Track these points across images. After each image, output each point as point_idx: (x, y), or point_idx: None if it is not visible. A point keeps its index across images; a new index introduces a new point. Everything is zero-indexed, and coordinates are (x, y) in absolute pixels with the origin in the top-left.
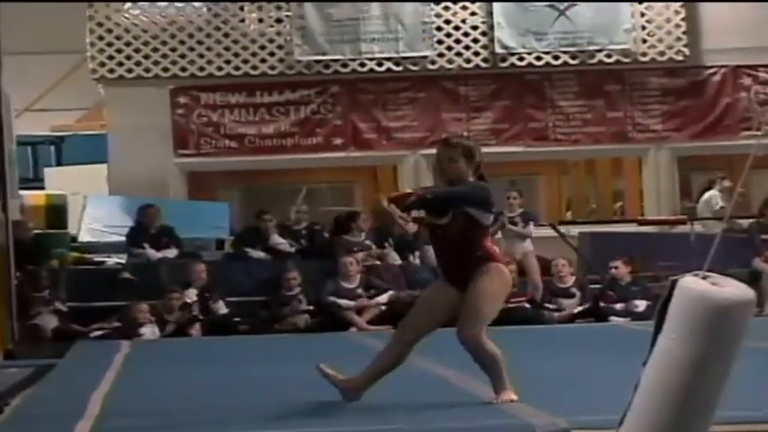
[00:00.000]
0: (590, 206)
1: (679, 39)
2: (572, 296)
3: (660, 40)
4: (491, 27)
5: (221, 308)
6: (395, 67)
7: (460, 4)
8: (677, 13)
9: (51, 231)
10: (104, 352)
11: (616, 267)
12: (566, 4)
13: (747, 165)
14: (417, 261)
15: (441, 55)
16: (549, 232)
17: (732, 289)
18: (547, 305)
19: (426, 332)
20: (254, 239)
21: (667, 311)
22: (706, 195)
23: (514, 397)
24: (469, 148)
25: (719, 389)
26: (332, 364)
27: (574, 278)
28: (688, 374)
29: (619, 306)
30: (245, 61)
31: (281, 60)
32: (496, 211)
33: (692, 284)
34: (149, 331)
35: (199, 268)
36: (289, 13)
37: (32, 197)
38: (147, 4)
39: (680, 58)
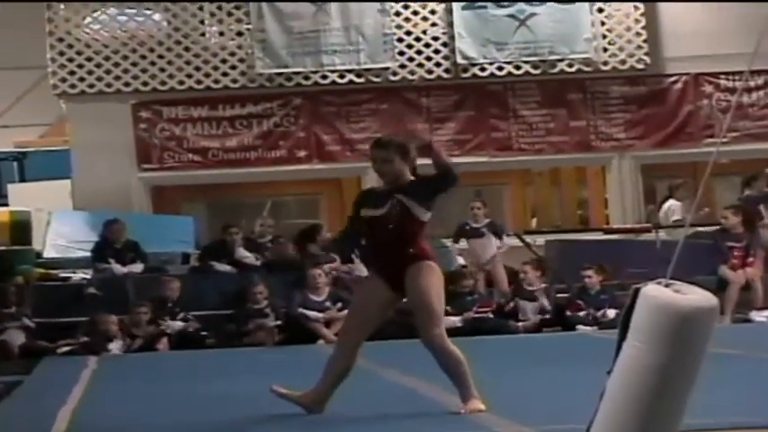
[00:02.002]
0: (556, 219)
1: (640, 47)
2: (535, 299)
3: (621, 49)
4: (452, 38)
5: (177, 324)
6: (357, 79)
7: (421, 14)
8: (637, 21)
9: (16, 248)
10: (72, 368)
11: (589, 276)
12: (526, 12)
13: (707, 172)
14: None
15: (402, 66)
16: (515, 242)
17: (695, 296)
18: (512, 315)
19: (367, 332)
20: (220, 253)
21: (631, 319)
22: (665, 205)
23: (482, 407)
24: (402, 145)
25: (684, 396)
26: (299, 378)
27: (542, 285)
28: (652, 382)
29: (586, 315)
30: (207, 75)
31: (242, 73)
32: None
33: (655, 292)
34: (116, 346)
35: (173, 285)
36: (249, 27)
37: None
38: (107, 17)
39: (641, 66)
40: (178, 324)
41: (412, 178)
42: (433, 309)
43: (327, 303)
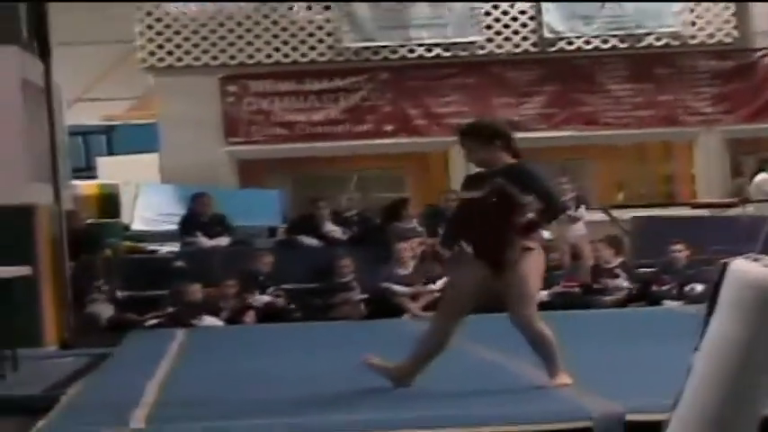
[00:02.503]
0: (642, 194)
1: (728, 21)
2: (616, 276)
3: (709, 23)
4: (539, 11)
5: (281, 302)
6: (444, 53)
7: None
8: None
9: (104, 221)
10: (159, 341)
11: (678, 251)
12: None
13: None
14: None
15: (489, 40)
16: (601, 216)
17: None
18: (598, 290)
19: (463, 315)
20: (307, 227)
21: (719, 294)
22: (757, 178)
23: (568, 381)
24: (483, 129)
25: None
26: (384, 353)
27: (619, 259)
28: (740, 357)
29: (672, 289)
30: (294, 48)
31: (329, 47)
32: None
33: (743, 267)
34: (205, 320)
35: (266, 259)
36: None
37: (85, 187)
38: None
39: (729, 40)
40: (265, 298)
41: (512, 161)
42: (526, 291)
43: (414, 277)
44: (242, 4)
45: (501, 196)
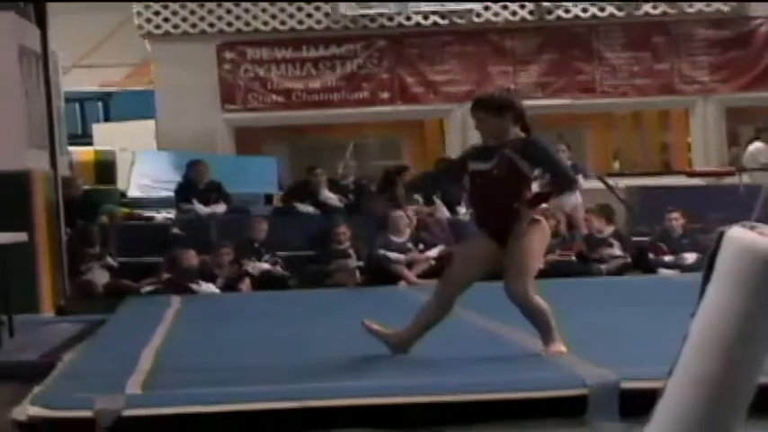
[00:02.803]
0: (638, 163)
1: None
2: (610, 245)
3: None
4: None
5: (278, 271)
6: (441, 21)
7: None
8: None
9: (101, 187)
10: (155, 307)
11: (675, 219)
12: None
13: None
14: (466, 215)
15: (486, 8)
16: (598, 185)
17: None
18: (595, 258)
19: (467, 285)
20: (304, 194)
21: (715, 263)
22: (752, 147)
23: (564, 349)
24: (495, 102)
25: None
26: (379, 320)
27: (611, 228)
28: (736, 325)
29: (668, 258)
30: (291, 16)
31: (326, 15)
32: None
33: (739, 235)
34: (202, 286)
35: (262, 226)
36: None
37: (81, 153)
38: None
39: (726, 8)
40: (263, 265)
41: (521, 135)
42: (526, 264)
43: (409, 245)
44: None
45: (510, 169)
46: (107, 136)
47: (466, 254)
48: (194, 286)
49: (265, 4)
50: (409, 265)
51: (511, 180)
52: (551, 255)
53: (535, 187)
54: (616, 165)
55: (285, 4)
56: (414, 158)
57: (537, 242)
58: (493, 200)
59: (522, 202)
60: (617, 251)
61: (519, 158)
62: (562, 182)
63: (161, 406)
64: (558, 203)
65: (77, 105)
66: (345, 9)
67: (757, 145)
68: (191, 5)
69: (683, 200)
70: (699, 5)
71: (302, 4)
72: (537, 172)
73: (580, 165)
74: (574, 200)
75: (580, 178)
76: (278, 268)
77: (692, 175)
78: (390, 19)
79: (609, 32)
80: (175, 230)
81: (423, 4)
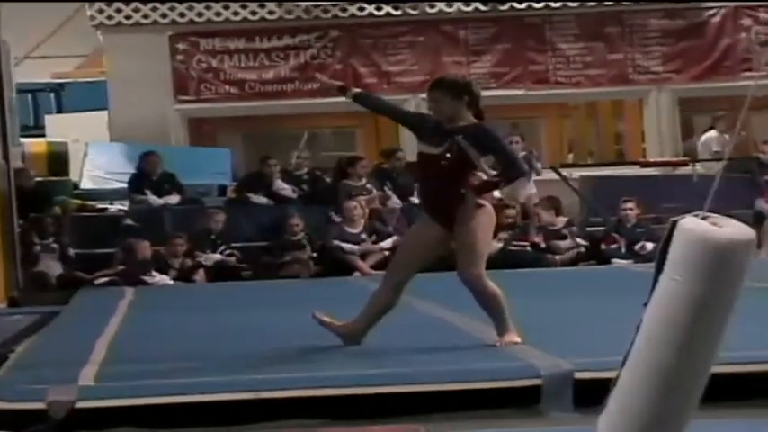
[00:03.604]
0: (592, 153)
1: None
2: (564, 237)
3: None
4: None
5: (215, 256)
6: (394, 11)
7: None
8: None
9: (53, 179)
10: (108, 298)
11: (630, 209)
12: None
13: (746, 106)
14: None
15: None
16: (552, 175)
17: (732, 229)
18: (548, 248)
19: (414, 271)
20: (258, 185)
21: (668, 252)
22: (704, 137)
23: (518, 339)
24: (454, 84)
25: (721, 329)
26: (333, 311)
27: (563, 219)
28: (689, 314)
29: (621, 248)
30: (244, 6)
31: (279, 5)
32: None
33: (691, 225)
34: (156, 277)
35: (218, 217)
36: None
37: (34, 145)
38: None
39: None
40: (216, 256)
41: (474, 121)
42: (477, 249)
43: (363, 236)
44: None
45: (458, 156)
46: (59, 127)
47: (411, 239)
48: (148, 278)
49: None
50: (363, 256)
51: (458, 166)
52: (506, 245)
53: (484, 175)
54: (570, 155)
55: None
56: (367, 149)
57: (484, 227)
58: (439, 184)
59: (467, 187)
60: (570, 242)
61: (468, 145)
62: (511, 171)
63: (114, 397)
64: (511, 193)
65: (29, 96)
66: None
67: (710, 134)
68: None
69: (638, 190)
70: None
71: None
72: (484, 160)
73: (534, 155)
74: (528, 190)
75: (537, 168)
76: (232, 259)
77: (645, 165)
78: (343, 10)
79: (562, 23)
80: (128, 221)
81: None
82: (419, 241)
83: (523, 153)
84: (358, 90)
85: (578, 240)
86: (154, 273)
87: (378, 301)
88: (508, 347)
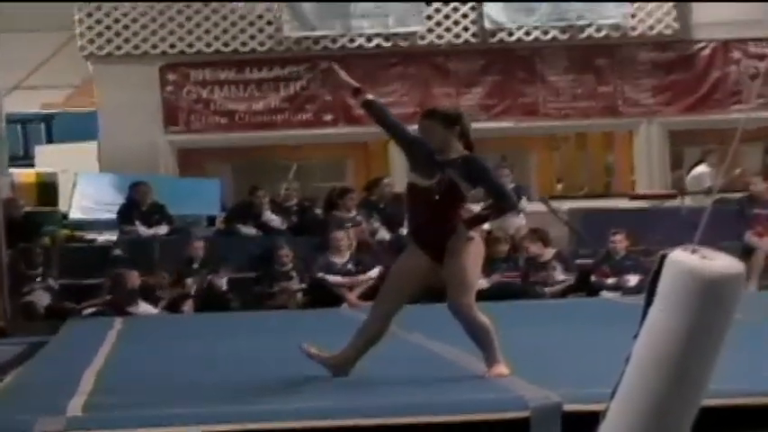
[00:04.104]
0: (582, 185)
1: (668, 13)
2: (553, 268)
3: (649, 14)
4: (480, 2)
5: (223, 284)
6: (384, 43)
7: None
8: None
9: (42, 209)
10: (97, 329)
11: (619, 241)
12: None
13: (736, 139)
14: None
15: (430, 30)
16: (541, 207)
17: (721, 262)
18: (536, 280)
19: (402, 302)
20: (246, 216)
21: (657, 285)
22: (695, 171)
23: (506, 371)
24: (447, 115)
25: (711, 362)
26: (321, 341)
27: (552, 251)
28: (678, 347)
29: (610, 280)
30: (235, 37)
31: (270, 36)
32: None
33: (681, 258)
34: (142, 307)
35: (197, 244)
36: None
37: (23, 175)
38: None
39: (669, 32)
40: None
41: (465, 152)
42: (467, 280)
43: (350, 266)
44: None
45: (449, 188)
46: (49, 157)
47: (400, 269)
48: (134, 307)
49: (209, 25)
50: (351, 287)
51: (449, 199)
52: (495, 276)
53: (476, 208)
54: (559, 187)
55: (229, 25)
56: (357, 180)
57: (474, 258)
58: (429, 217)
59: (458, 220)
60: (560, 274)
61: (459, 179)
62: (501, 203)
63: (102, 428)
64: (501, 225)
65: (19, 127)
66: (289, 31)
67: (701, 168)
68: (134, 26)
69: (627, 222)
70: (642, 28)
71: (246, 26)
72: (474, 192)
73: (523, 187)
74: (518, 222)
75: (524, 201)
76: (219, 282)
77: (634, 197)
78: (334, 41)
79: (552, 55)
80: (117, 252)
81: (366, 26)
82: (408, 271)
83: (513, 185)
84: (371, 97)
85: (563, 277)
86: (139, 303)
87: (366, 331)
88: (496, 379)
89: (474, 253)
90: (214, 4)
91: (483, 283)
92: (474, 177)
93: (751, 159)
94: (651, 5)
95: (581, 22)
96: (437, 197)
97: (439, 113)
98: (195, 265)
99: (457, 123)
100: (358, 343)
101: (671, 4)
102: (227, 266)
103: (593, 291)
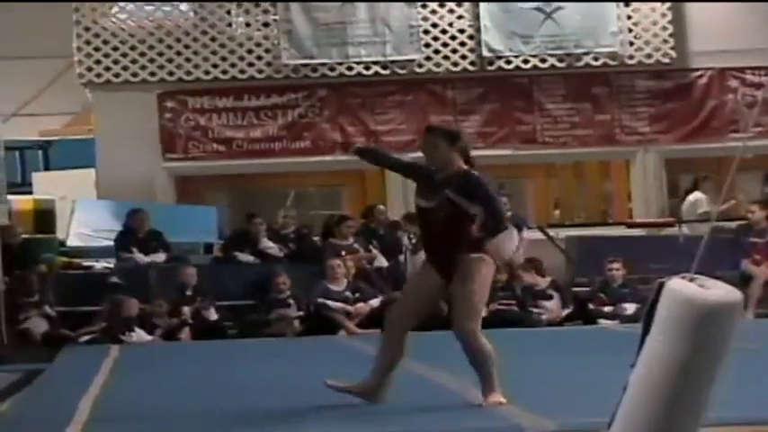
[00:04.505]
0: (577, 212)
1: (665, 41)
2: (549, 298)
3: (647, 43)
4: (478, 30)
5: (212, 314)
6: (382, 71)
7: (447, 7)
8: (664, 15)
9: (40, 236)
10: (93, 356)
11: (616, 269)
12: (553, 6)
13: (733, 167)
14: (407, 264)
15: (428, 58)
16: (538, 235)
17: (719, 291)
18: (532, 309)
19: (416, 319)
20: (244, 243)
21: (655, 313)
22: (691, 197)
23: (503, 400)
24: (450, 132)
25: (707, 390)
26: (320, 369)
27: (548, 280)
28: (675, 376)
29: (608, 308)
30: (233, 65)
31: (268, 64)
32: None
33: (679, 286)
34: (138, 334)
35: (189, 271)
36: (276, 17)
37: (20, 202)
38: (134, 7)
39: (667, 60)
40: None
41: (465, 168)
42: (473, 302)
43: (347, 293)
44: (181, 20)
45: (451, 208)
46: (47, 184)
47: (415, 287)
48: (129, 335)
49: (207, 53)
50: (348, 314)
51: (454, 218)
52: (493, 304)
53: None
54: (557, 213)
55: (227, 53)
56: (354, 208)
57: (483, 280)
58: (438, 236)
59: (468, 238)
60: (556, 302)
61: (457, 195)
62: (491, 221)
63: None
64: (496, 250)
65: (17, 154)
66: (287, 58)
67: (696, 195)
68: (132, 54)
69: (624, 250)
70: (639, 57)
71: (244, 54)
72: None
73: (521, 217)
74: (511, 248)
75: (524, 231)
76: (211, 318)
77: (631, 225)
78: (332, 69)
79: (549, 83)
80: (114, 279)
81: (364, 54)
82: (420, 290)
83: (510, 214)
84: (360, 145)
85: (558, 303)
86: (134, 330)
87: (385, 354)
88: (493, 408)
89: (483, 275)
90: (212, 32)
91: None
92: (470, 193)
93: (749, 188)
94: (648, 35)
95: (578, 51)
96: (442, 217)
97: (442, 130)
98: (188, 293)
99: (459, 140)
100: (379, 367)
101: (668, 33)
102: (214, 296)
103: (590, 319)
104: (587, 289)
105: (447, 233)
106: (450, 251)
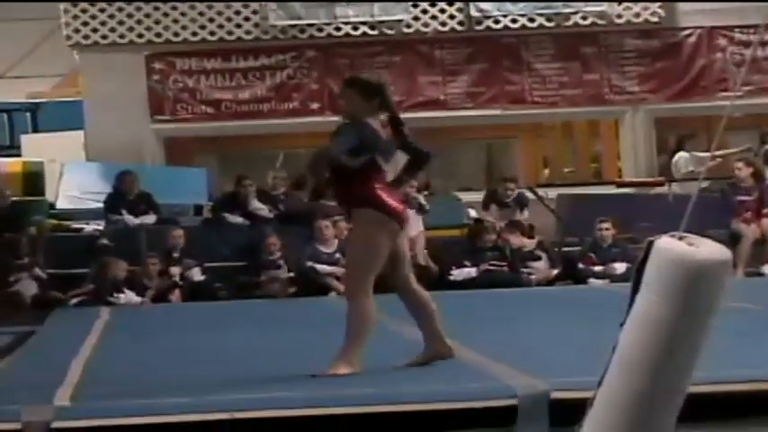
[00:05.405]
0: (567, 169)
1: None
2: (537, 258)
3: (635, 2)
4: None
5: (196, 274)
6: (370, 31)
7: None
8: None
9: (29, 198)
10: (84, 319)
11: (606, 229)
12: None
13: (721, 126)
14: None
15: (416, 18)
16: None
17: (708, 249)
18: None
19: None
20: (233, 205)
21: (644, 272)
22: (676, 157)
23: (346, 371)
24: (366, 84)
25: (697, 348)
26: (309, 330)
27: (534, 241)
28: (665, 334)
29: (598, 268)
30: (221, 26)
31: (256, 25)
32: None
33: (668, 245)
34: (127, 296)
35: (177, 233)
36: None
37: (9, 164)
38: None
39: (655, 19)
40: (196, 274)
41: (359, 120)
42: (355, 264)
43: (337, 255)
44: None
45: (332, 165)
46: (35, 147)
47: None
48: (119, 296)
49: (195, 15)
50: (339, 277)
51: (335, 174)
52: (483, 265)
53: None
54: (546, 172)
55: (214, 14)
56: None
57: (365, 235)
58: (335, 194)
59: (354, 193)
60: (544, 263)
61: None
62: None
63: (90, 417)
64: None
65: (5, 116)
66: (274, 19)
67: (682, 154)
68: (119, 15)
69: (613, 209)
70: (627, 16)
71: (232, 15)
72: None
73: (524, 195)
74: (416, 227)
75: (526, 212)
76: (195, 278)
77: (621, 185)
78: (320, 29)
79: (538, 43)
80: (104, 241)
81: (352, 15)
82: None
83: (515, 194)
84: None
85: (545, 266)
86: (124, 291)
87: (414, 314)
88: (482, 367)
89: (367, 229)
90: None
91: (471, 272)
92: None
93: (738, 146)
94: None
95: (567, 10)
96: (332, 178)
97: (360, 82)
98: (176, 254)
99: (377, 95)
100: (422, 323)
101: None
102: (200, 258)
103: (580, 279)
104: (577, 249)
105: (337, 191)
106: (346, 210)
